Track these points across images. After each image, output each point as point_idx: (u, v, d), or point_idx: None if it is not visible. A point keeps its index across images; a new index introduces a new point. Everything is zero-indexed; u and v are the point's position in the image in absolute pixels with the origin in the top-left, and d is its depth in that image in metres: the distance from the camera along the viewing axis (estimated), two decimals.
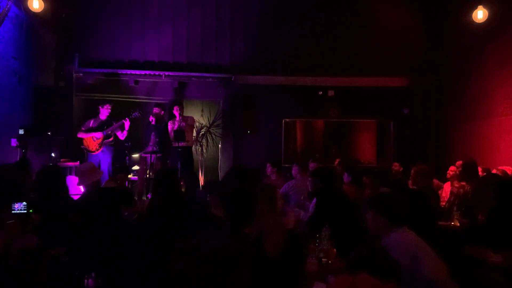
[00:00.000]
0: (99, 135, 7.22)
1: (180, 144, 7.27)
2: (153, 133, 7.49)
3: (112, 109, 7.44)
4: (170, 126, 7.57)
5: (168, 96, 8.79)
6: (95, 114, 7.42)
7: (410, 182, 5.14)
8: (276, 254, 2.66)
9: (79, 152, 7.38)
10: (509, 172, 5.53)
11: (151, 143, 7.57)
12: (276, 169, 6.41)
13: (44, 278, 2.81)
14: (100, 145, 7.27)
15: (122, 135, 7.41)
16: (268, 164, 6.47)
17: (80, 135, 7.27)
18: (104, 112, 7.35)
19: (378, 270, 2.17)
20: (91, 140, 7.25)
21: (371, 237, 3.03)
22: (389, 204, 2.90)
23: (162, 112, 7.70)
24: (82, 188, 6.18)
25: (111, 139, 7.36)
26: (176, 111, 7.49)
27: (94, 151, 7.24)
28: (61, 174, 4.13)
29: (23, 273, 2.84)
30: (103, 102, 7.47)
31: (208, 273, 1.79)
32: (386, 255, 2.33)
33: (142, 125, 7.81)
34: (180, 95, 8.86)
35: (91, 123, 7.30)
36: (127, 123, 7.29)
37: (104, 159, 7.21)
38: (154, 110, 7.61)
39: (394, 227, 2.80)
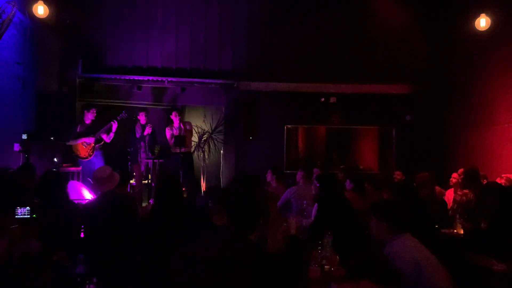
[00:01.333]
0: (90, 139, 7.17)
1: (181, 150, 7.31)
2: (142, 143, 7.54)
3: (102, 115, 7.41)
4: (168, 132, 7.61)
5: (171, 102, 8.83)
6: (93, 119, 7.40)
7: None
8: (276, 255, 2.66)
9: (73, 159, 7.32)
10: None
11: (143, 150, 7.58)
12: (276, 176, 6.40)
13: (47, 283, 2.81)
14: (92, 150, 7.22)
15: (108, 138, 7.35)
16: (268, 171, 6.47)
17: (70, 142, 7.19)
18: (90, 116, 7.29)
19: (379, 278, 2.17)
20: (82, 146, 7.17)
21: (373, 244, 3.02)
22: (392, 211, 2.90)
23: (147, 117, 7.73)
24: (87, 194, 6.22)
25: (102, 142, 7.35)
26: (175, 117, 7.54)
27: (86, 157, 7.19)
28: (63, 179, 4.13)
29: (25, 278, 2.84)
30: (90, 106, 7.40)
31: (206, 277, 1.79)
32: (387, 262, 2.34)
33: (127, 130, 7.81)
34: (182, 101, 8.89)
35: (78, 128, 7.25)
36: (114, 125, 7.26)
37: (98, 164, 7.18)
38: (144, 117, 7.61)
39: (397, 234, 2.80)
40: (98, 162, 7.20)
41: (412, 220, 3.01)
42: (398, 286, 2.32)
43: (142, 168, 7.69)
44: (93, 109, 7.33)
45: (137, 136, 7.62)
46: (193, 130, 8.09)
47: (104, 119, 7.43)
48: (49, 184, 3.81)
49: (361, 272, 2.24)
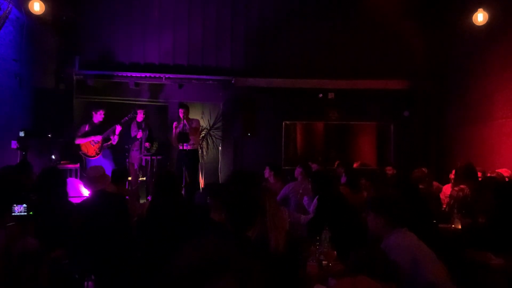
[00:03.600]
0: (98, 138, 7.19)
1: (185, 147, 7.31)
2: (137, 141, 7.50)
3: (105, 114, 7.40)
4: (174, 127, 7.60)
5: (168, 99, 8.81)
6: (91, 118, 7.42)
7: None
8: (278, 252, 2.67)
9: (78, 157, 7.36)
10: (506, 174, 5.52)
11: (136, 148, 7.52)
12: (274, 172, 6.39)
13: (46, 281, 2.81)
14: (100, 149, 7.24)
15: (113, 140, 7.36)
16: (266, 167, 6.46)
17: (78, 141, 7.22)
18: (98, 117, 7.31)
19: (377, 273, 2.17)
20: (90, 145, 7.21)
21: (371, 240, 3.03)
22: (389, 205, 2.90)
23: (144, 115, 7.64)
24: (85, 191, 6.21)
25: (109, 142, 7.35)
26: (181, 114, 7.54)
27: (94, 156, 7.21)
28: (61, 176, 4.12)
29: (23, 276, 2.84)
30: (97, 107, 7.40)
31: (203, 276, 1.77)
32: (385, 258, 2.34)
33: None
34: (180, 98, 8.87)
35: (86, 127, 7.27)
36: (118, 128, 7.26)
37: (105, 164, 7.18)
38: (141, 115, 7.53)
39: (394, 229, 2.80)
40: (106, 161, 7.21)
41: (411, 215, 3.01)
42: (396, 281, 2.32)
43: (136, 166, 7.63)
44: (101, 110, 7.32)
45: (132, 135, 7.50)
46: (199, 128, 8.04)
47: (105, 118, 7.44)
48: (48, 181, 3.80)
49: (360, 268, 2.23)
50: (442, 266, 2.68)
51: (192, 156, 7.64)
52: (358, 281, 2.11)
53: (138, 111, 7.56)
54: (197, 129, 7.81)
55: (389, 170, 7.22)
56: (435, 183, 5.89)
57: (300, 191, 5.47)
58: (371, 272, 2.17)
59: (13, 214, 2.94)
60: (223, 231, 2.81)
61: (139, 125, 7.52)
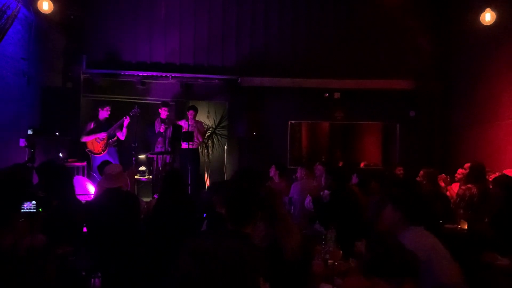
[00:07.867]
0: (102, 135, 7.28)
1: (190, 146, 7.39)
2: (160, 138, 7.57)
3: (111, 111, 7.49)
4: (183, 125, 7.68)
5: (174, 98, 8.85)
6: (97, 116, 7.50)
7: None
8: (294, 254, 2.68)
9: (85, 155, 7.45)
10: None
11: (159, 145, 7.61)
12: (279, 171, 6.40)
13: (53, 277, 2.84)
14: (106, 146, 7.33)
15: (122, 135, 7.43)
16: (272, 166, 6.48)
17: (83, 139, 7.33)
18: (103, 114, 7.43)
19: (395, 269, 2.09)
20: (96, 142, 7.31)
21: (375, 240, 3.01)
22: (409, 201, 2.81)
23: (168, 112, 7.76)
24: (92, 189, 6.26)
25: (115, 138, 7.42)
26: (190, 115, 7.73)
27: (100, 153, 7.29)
28: (62, 170, 4.09)
29: (31, 272, 2.87)
30: (103, 104, 7.54)
31: (221, 277, 1.79)
32: (403, 249, 2.21)
33: (146, 125, 7.84)
34: (186, 97, 8.90)
35: (92, 125, 7.38)
36: (126, 121, 7.32)
37: (111, 160, 7.23)
38: (164, 112, 7.63)
39: (410, 225, 2.72)
40: (111, 159, 7.26)
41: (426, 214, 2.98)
42: (413, 277, 2.20)
43: (160, 164, 7.66)
44: (107, 106, 7.45)
45: (156, 131, 7.64)
46: (203, 130, 8.13)
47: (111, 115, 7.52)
48: (47, 175, 3.79)
49: (376, 265, 2.14)
50: (457, 266, 2.62)
51: (196, 154, 7.88)
52: (372, 281, 2.07)
53: (162, 108, 7.68)
54: (200, 131, 7.96)
55: (399, 171, 7.20)
56: (441, 183, 5.84)
57: (304, 191, 5.49)
58: (388, 268, 2.09)
59: (22, 211, 2.97)
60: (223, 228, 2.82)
61: (163, 121, 7.63)
